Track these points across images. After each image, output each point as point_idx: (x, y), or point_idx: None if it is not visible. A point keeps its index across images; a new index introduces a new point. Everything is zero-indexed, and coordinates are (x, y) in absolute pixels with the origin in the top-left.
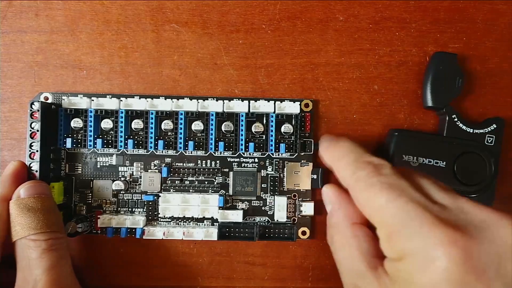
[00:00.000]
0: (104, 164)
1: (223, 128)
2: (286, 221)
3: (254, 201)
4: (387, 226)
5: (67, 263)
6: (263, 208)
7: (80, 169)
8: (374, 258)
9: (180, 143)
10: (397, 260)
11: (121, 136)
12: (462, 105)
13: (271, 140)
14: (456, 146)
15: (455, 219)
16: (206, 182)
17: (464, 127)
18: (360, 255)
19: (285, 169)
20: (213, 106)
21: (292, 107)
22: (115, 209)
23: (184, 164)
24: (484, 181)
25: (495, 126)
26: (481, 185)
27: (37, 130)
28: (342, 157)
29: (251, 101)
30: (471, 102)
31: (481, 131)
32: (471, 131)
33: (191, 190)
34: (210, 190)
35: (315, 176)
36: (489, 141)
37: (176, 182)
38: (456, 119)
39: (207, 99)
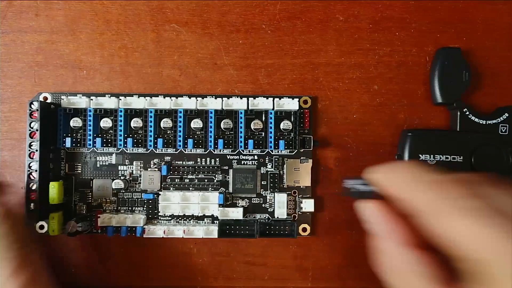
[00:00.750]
0: (103, 163)
1: (222, 126)
2: (287, 218)
3: (254, 199)
4: (479, 260)
5: (41, 275)
6: (263, 205)
7: (79, 169)
8: (443, 285)
9: (180, 141)
10: None
11: (121, 135)
12: (472, 98)
13: (271, 137)
14: (471, 139)
15: None
16: (206, 180)
17: (476, 120)
18: (427, 284)
19: (284, 166)
20: (212, 103)
21: (291, 104)
22: (115, 208)
23: (184, 162)
24: (502, 172)
25: (507, 115)
26: (500, 176)
27: (36, 130)
28: (412, 179)
29: (250, 99)
30: (480, 95)
31: (494, 121)
32: (484, 123)
33: (191, 188)
34: (210, 188)
35: (354, 185)
36: (503, 131)
37: (176, 180)
38: (467, 113)
39: (206, 97)
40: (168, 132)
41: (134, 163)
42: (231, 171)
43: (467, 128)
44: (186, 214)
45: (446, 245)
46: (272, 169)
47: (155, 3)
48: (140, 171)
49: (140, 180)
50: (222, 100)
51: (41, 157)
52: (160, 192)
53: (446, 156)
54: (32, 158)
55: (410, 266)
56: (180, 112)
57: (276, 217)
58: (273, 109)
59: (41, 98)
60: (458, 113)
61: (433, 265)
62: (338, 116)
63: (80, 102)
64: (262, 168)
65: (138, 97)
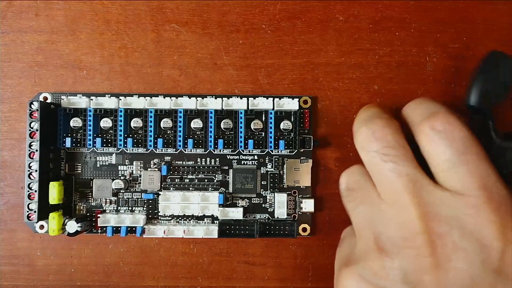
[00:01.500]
0: (103, 163)
1: (222, 126)
2: (287, 218)
3: (254, 199)
4: None
5: None
6: (263, 205)
7: (79, 169)
8: None
9: (180, 141)
10: None
11: (121, 135)
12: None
13: (271, 137)
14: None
15: None
16: (206, 180)
17: (494, 136)
18: None
19: (284, 166)
20: (212, 104)
21: (291, 104)
22: (115, 208)
23: (184, 162)
24: None
25: None
26: None
27: (36, 130)
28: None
29: (250, 99)
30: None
31: (507, 145)
32: (498, 143)
33: (191, 188)
34: (210, 188)
35: None
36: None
37: (176, 180)
38: (490, 126)
39: (206, 97)
40: (168, 132)
41: (134, 163)
42: (231, 171)
43: (480, 141)
44: (186, 214)
45: None
46: (272, 169)
47: (155, 3)
48: (140, 171)
49: (140, 180)
50: (222, 100)
51: (41, 157)
52: (160, 192)
53: None
54: (32, 158)
55: None
56: (180, 112)
57: (276, 217)
58: (273, 109)
59: (41, 98)
60: (481, 122)
61: None
62: (338, 116)
63: (80, 102)
64: (262, 168)
65: (138, 97)
